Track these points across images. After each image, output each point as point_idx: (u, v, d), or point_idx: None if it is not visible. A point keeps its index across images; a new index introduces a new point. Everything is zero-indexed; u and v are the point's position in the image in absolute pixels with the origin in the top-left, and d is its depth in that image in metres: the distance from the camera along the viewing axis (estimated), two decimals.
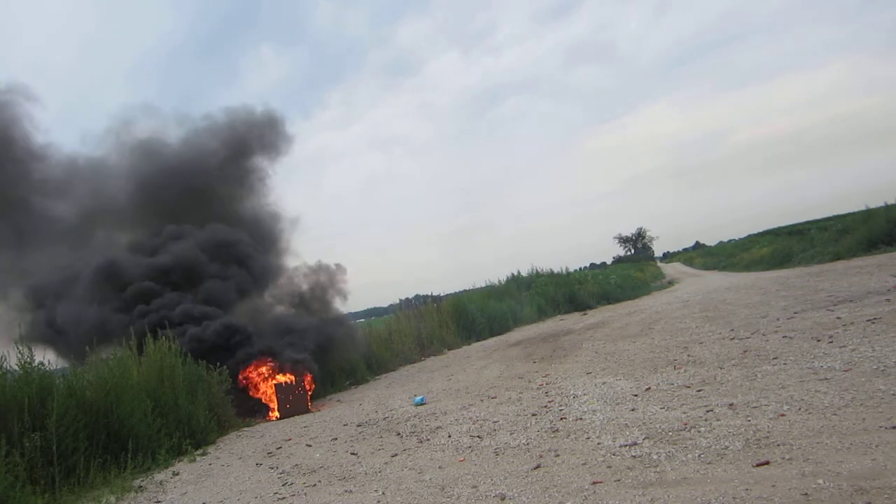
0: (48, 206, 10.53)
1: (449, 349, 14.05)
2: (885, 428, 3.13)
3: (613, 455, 3.61)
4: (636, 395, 5.09)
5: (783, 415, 3.71)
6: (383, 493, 3.79)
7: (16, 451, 5.03)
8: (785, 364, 5.06)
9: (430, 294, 18.71)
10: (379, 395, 8.67)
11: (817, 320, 6.87)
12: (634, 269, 37.24)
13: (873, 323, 5.98)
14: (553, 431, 4.47)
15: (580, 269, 38.76)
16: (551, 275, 22.93)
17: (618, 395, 5.27)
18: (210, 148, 11.84)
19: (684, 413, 4.22)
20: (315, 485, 4.33)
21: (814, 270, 14.63)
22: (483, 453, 4.27)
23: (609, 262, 79.47)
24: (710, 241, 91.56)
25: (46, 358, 6.34)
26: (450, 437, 5.00)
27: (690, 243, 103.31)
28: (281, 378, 8.63)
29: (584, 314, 16.61)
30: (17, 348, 5.92)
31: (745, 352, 5.96)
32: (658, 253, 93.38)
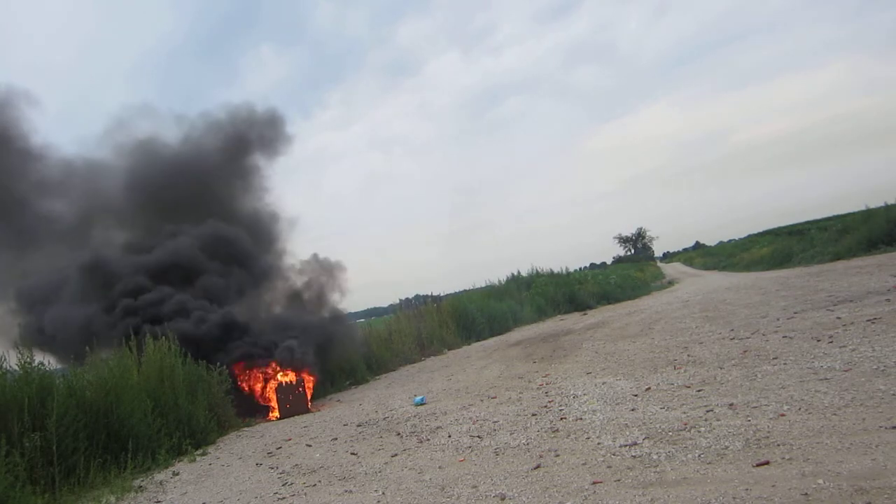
0: (47, 206, 10.52)
1: (449, 349, 14.04)
2: (885, 428, 3.13)
3: (613, 455, 3.61)
4: (636, 395, 5.09)
5: (783, 415, 3.71)
6: (383, 493, 3.79)
7: (16, 451, 5.03)
8: (785, 364, 5.06)
9: (430, 294, 18.72)
10: (379, 395, 8.67)
11: (817, 320, 6.87)
12: (634, 269, 37.24)
13: (873, 323, 5.98)
14: (553, 431, 4.47)
15: (580, 269, 38.75)
16: (551, 275, 22.92)
17: (618, 395, 5.27)
18: (209, 146, 11.83)
19: (684, 413, 4.22)
20: (315, 485, 4.33)
21: (814, 270, 14.63)
22: (483, 453, 4.27)
23: (609, 262, 79.55)
24: (710, 241, 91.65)
25: (46, 359, 6.34)
26: (450, 437, 5.00)
27: (690, 243, 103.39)
28: (282, 378, 8.63)
29: (584, 314, 16.61)
30: (18, 350, 5.93)
31: (745, 352, 5.96)
32: (658, 253, 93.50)
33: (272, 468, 5.14)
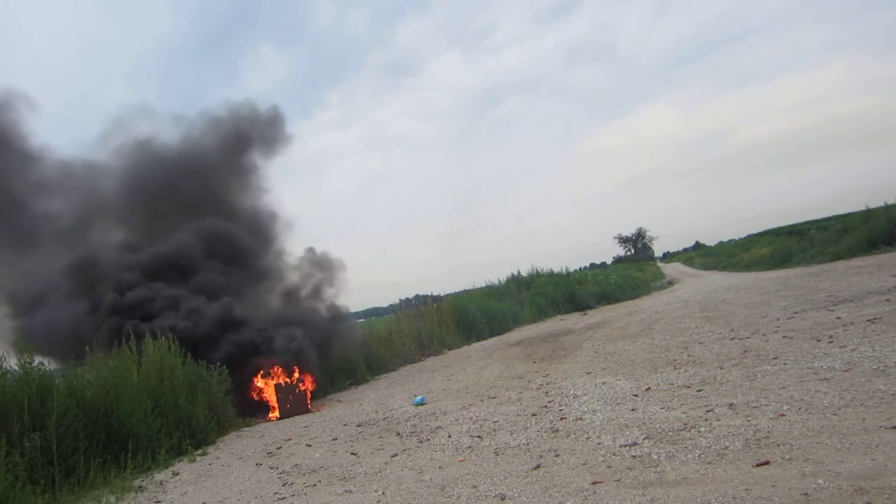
0: (45, 207, 10.50)
1: (449, 349, 14.04)
2: (885, 428, 3.13)
3: (613, 455, 3.61)
4: (636, 395, 5.09)
5: (783, 415, 3.71)
6: (383, 493, 3.79)
7: (16, 451, 5.03)
8: (785, 364, 5.06)
9: (430, 294, 18.72)
10: (379, 395, 8.67)
11: (817, 320, 6.87)
12: (634, 269, 37.24)
13: (873, 323, 5.98)
14: (553, 431, 4.47)
15: (580, 269, 38.75)
16: (551, 275, 22.91)
17: (618, 395, 5.27)
18: (209, 143, 11.80)
19: (684, 413, 4.22)
20: (315, 485, 4.33)
21: (814, 270, 14.63)
22: (483, 453, 4.27)
23: (609, 262, 79.52)
24: (710, 241, 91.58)
25: (45, 360, 6.32)
26: (450, 437, 5.00)
27: (690, 243, 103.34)
28: (280, 377, 8.62)
29: (584, 314, 16.61)
30: (17, 354, 5.93)
31: (745, 352, 5.96)
32: (658, 253, 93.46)
33: (272, 468, 5.14)
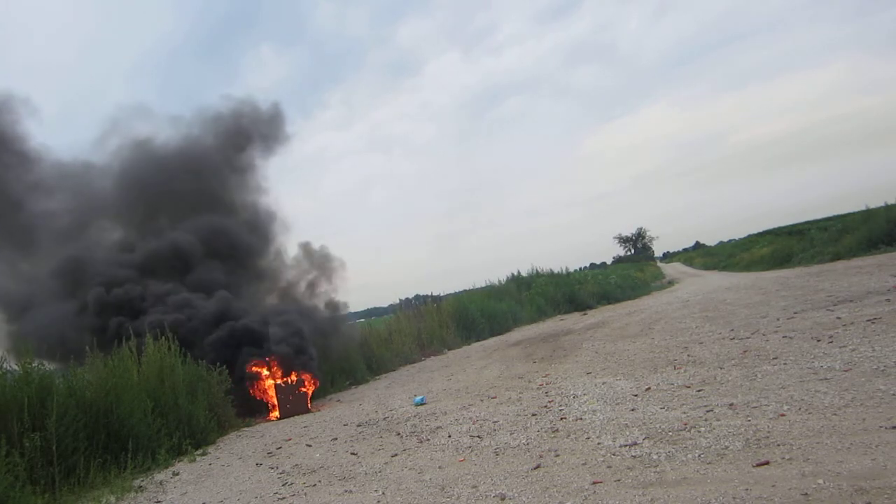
0: (43, 208, 10.49)
1: (449, 349, 14.05)
2: (885, 428, 3.13)
3: (613, 455, 3.61)
4: (636, 395, 5.09)
5: (783, 415, 3.71)
6: (383, 493, 3.79)
7: (16, 451, 5.03)
8: (785, 364, 5.06)
9: (430, 294, 18.73)
10: (379, 395, 8.67)
11: (817, 320, 6.87)
12: (634, 269, 37.25)
13: (873, 323, 5.98)
14: (553, 431, 4.47)
15: (580, 269, 38.73)
16: (551, 275, 22.92)
17: (618, 395, 5.27)
18: (208, 141, 11.78)
19: (684, 413, 4.22)
20: (315, 485, 4.33)
21: (814, 270, 14.63)
22: (483, 453, 4.27)
23: (609, 262, 79.58)
24: (710, 241, 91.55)
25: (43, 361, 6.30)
26: (450, 437, 5.00)
27: (690, 243, 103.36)
28: (277, 370, 8.58)
29: (584, 314, 16.61)
30: (16, 353, 5.93)
31: (745, 352, 5.96)
32: (658, 253, 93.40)
33: (272, 468, 5.14)
